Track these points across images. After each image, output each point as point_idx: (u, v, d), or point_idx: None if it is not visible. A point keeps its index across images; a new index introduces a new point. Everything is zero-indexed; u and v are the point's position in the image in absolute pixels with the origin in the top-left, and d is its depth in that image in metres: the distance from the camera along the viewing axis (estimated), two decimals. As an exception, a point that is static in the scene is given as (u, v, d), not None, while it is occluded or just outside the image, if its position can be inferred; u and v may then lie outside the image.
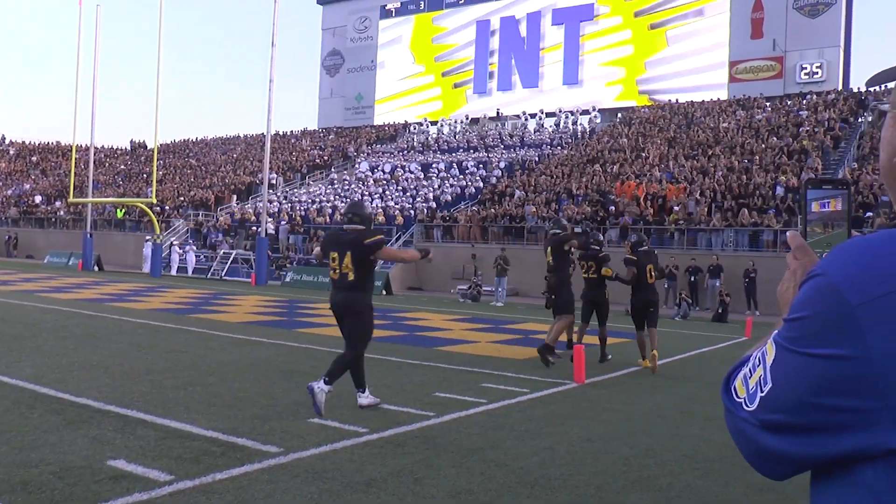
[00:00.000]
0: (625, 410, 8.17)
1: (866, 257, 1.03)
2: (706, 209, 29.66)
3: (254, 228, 39.98)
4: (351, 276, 7.21)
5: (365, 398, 7.48)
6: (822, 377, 1.02)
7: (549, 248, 11.27)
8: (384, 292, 29.30)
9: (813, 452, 1.05)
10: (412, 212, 38.25)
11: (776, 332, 1.13)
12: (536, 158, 44.31)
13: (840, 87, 43.63)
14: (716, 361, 13.19)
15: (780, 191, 29.37)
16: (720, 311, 23.19)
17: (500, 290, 26.65)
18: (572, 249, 11.33)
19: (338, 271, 7.25)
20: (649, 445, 6.61)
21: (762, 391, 1.10)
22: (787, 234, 1.28)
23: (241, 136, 67.49)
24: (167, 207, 47.34)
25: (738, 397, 1.15)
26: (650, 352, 11.13)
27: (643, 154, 38.77)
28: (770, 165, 32.27)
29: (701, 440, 6.92)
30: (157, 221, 38.68)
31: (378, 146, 55.55)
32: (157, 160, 53.88)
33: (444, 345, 13.48)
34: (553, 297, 11.12)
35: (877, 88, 37.14)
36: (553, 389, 9.28)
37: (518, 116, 54.93)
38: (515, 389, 9.06)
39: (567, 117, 51.68)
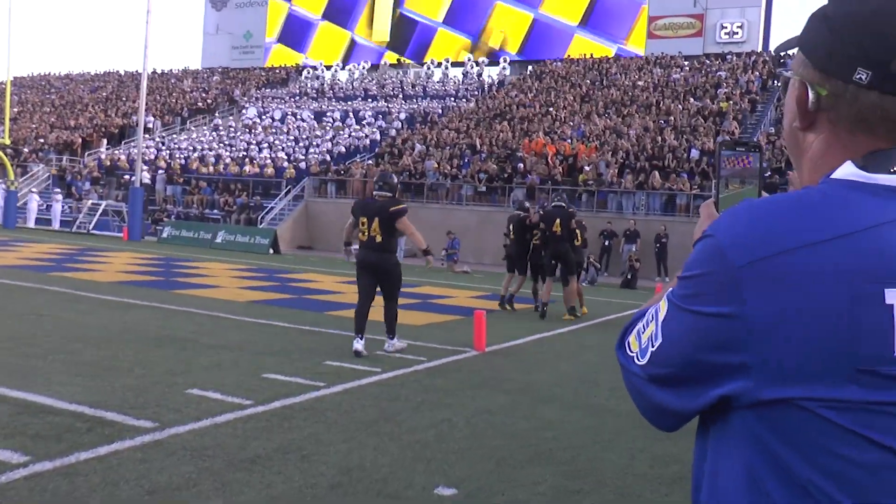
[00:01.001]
0: (526, 380, 8.35)
1: (753, 220, 1.12)
2: (618, 170, 30.45)
3: (126, 177, 38.59)
4: (378, 239, 9.16)
5: (392, 344, 9.44)
6: (706, 334, 1.11)
7: (510, 226, 15.05)
8: (271, 251, 28.91)
9: (690, 404, 1.16)
10: (304, 164, 37.74)
11: (670, 289, 1.21)
12: (440, 111, 44.34)
13: (760, 49, 45.24)
14: (622, 329, 13.59)
15: (694, 154, 30.40)
16: (629, 276, 23.94)
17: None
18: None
19: (367, 234, 9.24)
20: (551, 417, 6.79)
21: (653, 346, 1.19)
22: (702, 205, 1.37)
23: (114, 72, 64.78)
24: (23, 150, 45.04)
25: (631, 352, 1.24)
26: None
27: (554, 110, 39.34)
28: (686, 127, 33.35)
29: (605, 411, 7.16)
30: (11, 166, 36.74)
31: (268, 90, 54.31)
32: (11, 95, 51.01)
33: (335, 309, 13.43)
34: (554, 263, 14.34)
35: (789, 54, 38.54)
36: (452, 358, 9.40)
37: (421, 64, 54.68)
38: (412, 358, 9.13)
39: (473, 67, 51.80)
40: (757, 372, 1.08)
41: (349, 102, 48.75)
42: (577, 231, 14.68)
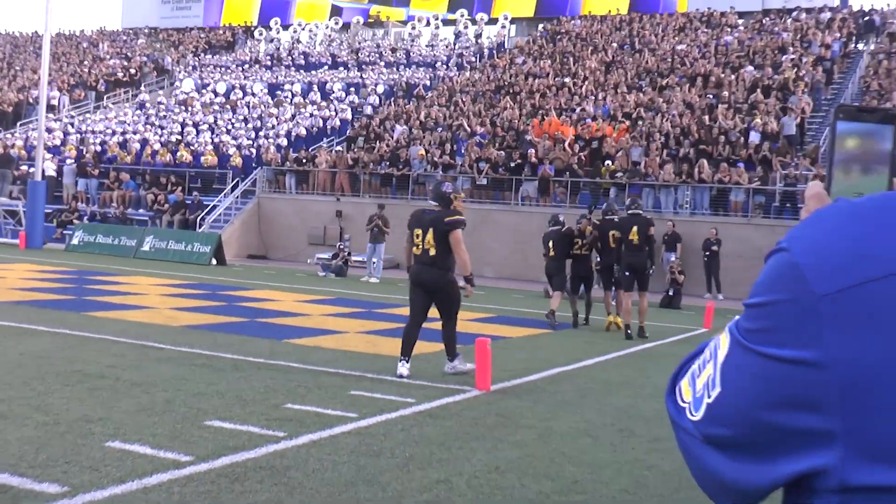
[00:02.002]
0: (544, 428, 8.31)
1: (845, 231, 1.05)
2: (656, 159, 30.58)
3: (24, 168, 38.46)
4: (432, 253, 10.47)
5: (454, 367, 10.81)
6: (778, 385, 1.05)
7: (550, 243, 17.65)
8: (213, 261, 28.89)
9: (758, 480, 1.09)
10: (254, 150, 37.75)
11: (734, 320, 1.16)
12: (427, 82, 44.43)
13: (838, 3, 45.43)
14: (664, 362, 13.62)
15: (753, 137, 30.63)
16: (671, 293, 24.01)
17: (374, 260, 26.74)
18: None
19: (420, 247, 10.55)
20: (576, 476, 6.74)
21: (709, 396, 1.13)
22: (809, 184, 1.28)
23: (7, 34, 64.67)
24: None
25: (684, 402, 1.19)
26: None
27: (572, 82, 39.47)
28: (742, 104, 33.53)
29: (645, 468, 7.11)
30: None
31: (208, 57, 54.34)
32: None
33: (297, 335, 13.46)
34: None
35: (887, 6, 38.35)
36: (448, 399, 9.36)
37: (403, 23, 54.80)
38: (397, 399, 9.09)
39: (467, 26, 51.94)
40: (844, 444, 1.01)
41: (313, 72, 48.84)
42: (612, 235, 17.05)
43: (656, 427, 8.67)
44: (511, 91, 39.74)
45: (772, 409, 1.06)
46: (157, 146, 39.65)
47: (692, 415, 1.16)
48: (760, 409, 1.07)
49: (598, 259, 17.63)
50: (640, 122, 33.42)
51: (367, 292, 22.62)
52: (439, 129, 36.55)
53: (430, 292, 10.51)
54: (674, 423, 1.21)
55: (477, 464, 6.90)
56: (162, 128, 42.66)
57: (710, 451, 1.13)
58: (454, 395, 9.59)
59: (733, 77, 36.08)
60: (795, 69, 35.64)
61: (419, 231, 10.56)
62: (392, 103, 42.31)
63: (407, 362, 10.44)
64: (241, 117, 42.82)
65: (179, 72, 52.24)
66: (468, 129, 35.79)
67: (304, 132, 39.76)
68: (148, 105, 47.15)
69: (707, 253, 27.18)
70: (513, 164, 31.87)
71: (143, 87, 51.00)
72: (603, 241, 17.37)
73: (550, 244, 17.71)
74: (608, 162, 31.02)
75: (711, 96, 34.75)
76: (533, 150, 32.27)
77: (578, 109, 35.83)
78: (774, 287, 1.09)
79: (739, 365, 1.10)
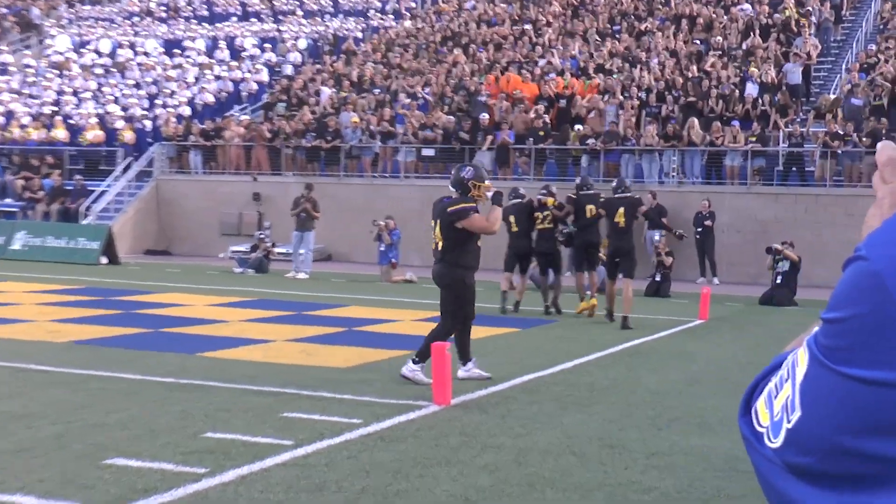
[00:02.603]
0: (518, 447, 8.34)
1: None
2: (634, 118, 30.79)
3: None
4: (440, 245, 11.34)
5: (465, 371, 11.64)
6: (865, 411, 1.08)
7: (512, 217, 19.29)
8: (104, 260, 28.63)
9: None
10: (150, 123, 37.46)
11: (813, 331, 1.19)
12: (359, 34, 44.30)
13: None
14: (656, 360, 13.76)
15: (751, 90, 31.02)
16: (657, 278, 24.18)
17: (302, 252, 26.65)
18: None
19: (434, 241, 11.46)
20: (563, 505, 6.77)
21: (789, 420, 1.17)
22: (878, 145, 1.32)
23: None
24: None
25: (761, 425, 1.23)
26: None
27: (533, 30, 39.54)
28: (736, 50, 33.86)
29: (642, 491, 7.15)
30: None
31: (87, 7, 53.72)
32: None
33: (213, 347, 13.43)
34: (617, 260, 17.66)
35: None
36: (402, 417, 9.36)
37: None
38: (341, 421, 9.08)
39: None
40: None
41: (219, 25, 48.46)
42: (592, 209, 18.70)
43: (652, 439, 8.73)
44: (460, 43, 39.75)
45: (860, 435, 1.09)
46: (26, 120, 39.16)
47: (771, 441, 1.19)
48: (847, 435, 1.10)
49: (562, 234, 19.39)
50: (615, 76, 33.58)
51: (294, 291, 22.57)
52: (375, 91, 36.45)
53: (440, 289, 11.49)
54: (750, 449, 1.24)
55: (441, 495, 6.89)
56: (32, 97, 42.09)
57: (794, 481, 1.17)
58: (408, 413, 9.59)
59: (725, 18, 36.41)
60: (799, 6, 35.99)
61: (433, 222, 11.49)
62: (317, 61, 42.14)
63: (465, 364, 11.63)
64: (132, 82, 42.41)
65: (51, 27, 51.54)
66: (410, 91, 35.75)
67: (210, 99, 39.46)
68: (12, 69, 46.43)
69: (699, 229, 27.45)
70: (465, 130, 31.88)
71: (4, 47, 50.11)
72: (579, 217, 18.91)
73: (512, 219, 19.15)
74: (578, 126, 31.16)
75: (699, 42, 35.03)
76: (488, 114, 32.34)
77: (542, 63, 35.93)
78: (853, 300, 1.11)
79: (820, 386, 1.14)
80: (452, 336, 11.48)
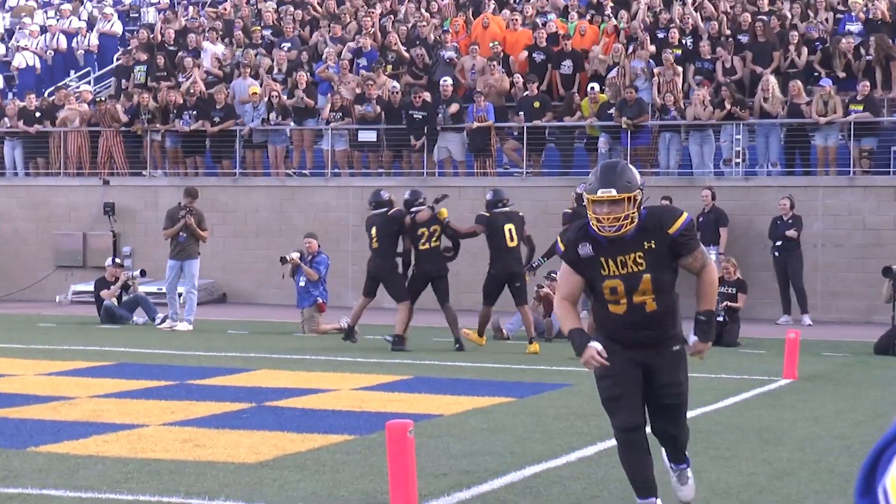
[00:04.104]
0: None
1: None
2: (676, 80, 30.95)
3: None
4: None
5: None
6: None
7: (373, 230, 22.07)
8: None
9: None
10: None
11: None
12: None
13: None
14: (717, 441, 13.68)
15: (852, 31, 31.16)
16: (721, 318, 23.88)
17: (182, 291, 26.33)
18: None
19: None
20: None
21: None
22: None
23: None
24: None
25: None
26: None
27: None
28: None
29: None
30: None
31: None
32: None
33: (53, 439, 13.27)
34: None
35: None
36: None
37: None
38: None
39: None
40: None
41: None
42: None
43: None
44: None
45: None
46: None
47: None
48: None
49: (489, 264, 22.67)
50: (642, 17, 33.80)
51: (173, 350, 22.45)
52: (285, 48, 36.26)
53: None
54: None
55: None
56: None
57: None
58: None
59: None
60: None
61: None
62: (193, 2, 42.11)
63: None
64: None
65: None
66: (339, 44, 35.72)
67: (32, 62, 39.33)
68: None
69: (778, 243, 27.42)
70: (416, 103, 31.83)
71: None
72: (493, 241, 22.41)
73: (373, 231, 22.52)
74: (592, 86, 31.35)
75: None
76: (454, 78, 32.41)
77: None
78: None
79: None
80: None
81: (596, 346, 9.39)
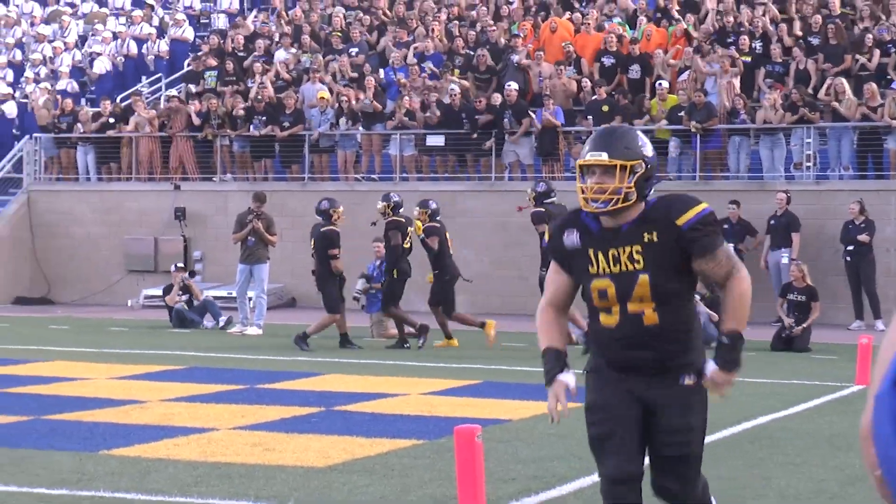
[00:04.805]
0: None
1: None
2: (736, 81, 30.77)
3: None
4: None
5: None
6: None
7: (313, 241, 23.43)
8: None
9: None
10: (14, 106, 37.51)
11: None
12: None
13: None
14: (788, 447, 13.63)
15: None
16: (789, 323, 23.79)
17: (252, 295, 26.37)
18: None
19: None
20: None
21: None
22: None
23: None
24: None
25: None
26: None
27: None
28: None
29: None
30: None
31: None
32: None
33: (124, 441, 13.33)
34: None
35: None
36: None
37: None
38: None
39: None
40: None
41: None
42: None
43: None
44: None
45: None
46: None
47: None
48: None
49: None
50: (711, 20, 33.61)
51: (243, 354, 22.59)
52: (353, 52, 36.34)
53: None
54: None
55: None
56: None
57: None
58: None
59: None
60: None
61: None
62: (263, 7, 42.17)
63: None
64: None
65: None
66: (405, 49, 35.77)
67: (105, 68, 39.48)
68: None
69: (850, 247, 27.23)
70: (477, 111, 31.88)
71: None
72: (442, 248, 23.57)
73: (312, 243, 24.07)
74: (660, 83, 31.26)
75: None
76: (518, 82, 32.36)
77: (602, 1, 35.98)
78: None
79: None
80: None
81: (566, 380, 7.41)
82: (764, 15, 32.57)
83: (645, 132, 29.86)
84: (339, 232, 23.91)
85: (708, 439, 13.89)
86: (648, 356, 7.45)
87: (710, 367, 7.42)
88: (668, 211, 7.47)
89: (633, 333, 7.43)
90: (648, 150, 7.62)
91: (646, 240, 7.41)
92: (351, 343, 23.48)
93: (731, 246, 23.48)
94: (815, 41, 31.09)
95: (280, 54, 36.93)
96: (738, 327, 7.41)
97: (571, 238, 7.55)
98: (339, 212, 23.97)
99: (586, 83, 32.05)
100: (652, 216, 7.47)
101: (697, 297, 22.41)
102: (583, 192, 7.38)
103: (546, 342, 7.58)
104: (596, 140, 7.63)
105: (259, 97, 33.96)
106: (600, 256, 7.47)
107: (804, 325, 23.41)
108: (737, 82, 30.46)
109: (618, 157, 7.36)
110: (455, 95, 32.09)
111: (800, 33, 31.68)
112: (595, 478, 11.62)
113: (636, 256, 7.42)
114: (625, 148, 7.45)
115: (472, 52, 34.45)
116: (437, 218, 23.95)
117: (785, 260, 26.24)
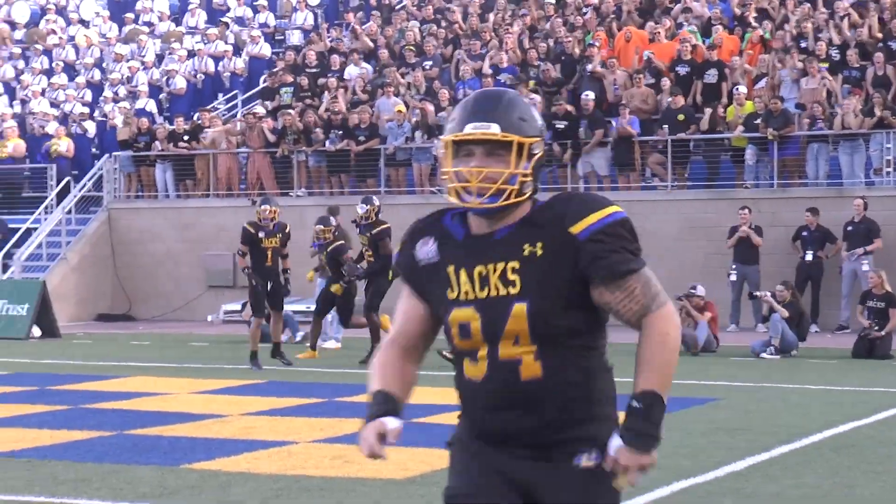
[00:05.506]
0: None
1: None
2: (822, 90, 30.57)
3: None
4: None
5: None
6: None
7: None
8: (36, 332, 28.63)
9: None
10: (93, 124, 37.95)
11: None
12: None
13: None
14: (872, 456, 13.45)
15: None
16: (872, 329, 23.57)
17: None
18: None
19: None
20: None
21: None
22: None
23: None
24: None
25: None
26: None
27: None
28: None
29: None
30: None
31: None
32: None
33: (206, 455, 13.39)
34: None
35: None
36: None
37: None
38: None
39: None
40: None
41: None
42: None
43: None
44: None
45: None
46: None
47: None
48: None
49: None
50: (788, 27, 33.44)
51: (321, 367, 22.64)
52: (427, 65, 36.39)
53: None
54: None
55: None
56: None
57: None
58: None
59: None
60: None
61: None
62: (338, 22, 42.23)
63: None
64: (60, 63, 42.67)
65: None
66: (480, 61, 35.71)
67: (182, 85, 39.66)
68: None
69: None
70: (562, 118, 31.83)
71: None
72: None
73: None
74: (737, 89, 31.05)
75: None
76: (594, 92, 32.33)
77: (677, 7, 35.87)
78: None
79: None
80: None
81: (387, 424, 5.21)
82: (842, 21, 32.38)
83: (721, 139, 30.26)
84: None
85: (791, 447, 13.90)
86: (527, 424, 5.10)
87: (615, 443, 4.91)
88: (561, 214, 5.00)
89: (504, 390, 5.12)
90: (540, 120, 5.24)
91: (526, 253, 5.00)
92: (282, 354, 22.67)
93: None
94: (894, 45, 30.86)
95: (352, 69, 37.00)
96: (656, 386, 4.99)
97: (426, 250, 5.23)
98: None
99: (662, 91, 31.93)
100: (538, 220, 5.04)
101: (768, 294, 22.18)
102: (457, 178, 4.98)
103: (378, 385, 5.47)
104: (476, 105, 5.09)
105: (334, 111, 34.13)
106: (462, 275, 5.12)
107: (885, 332, 23.26)
108: (823, 89, 30.26)
109: (511, 131, 4.97)
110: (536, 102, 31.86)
111: (879, 35, 31.46)
112: (673, 488, 11.66)
113: (511, 277, 5.02)
114: (519, 119, 5.02)
115: (544, 64, 34.40)
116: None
117: (865, 267, 26.01)
